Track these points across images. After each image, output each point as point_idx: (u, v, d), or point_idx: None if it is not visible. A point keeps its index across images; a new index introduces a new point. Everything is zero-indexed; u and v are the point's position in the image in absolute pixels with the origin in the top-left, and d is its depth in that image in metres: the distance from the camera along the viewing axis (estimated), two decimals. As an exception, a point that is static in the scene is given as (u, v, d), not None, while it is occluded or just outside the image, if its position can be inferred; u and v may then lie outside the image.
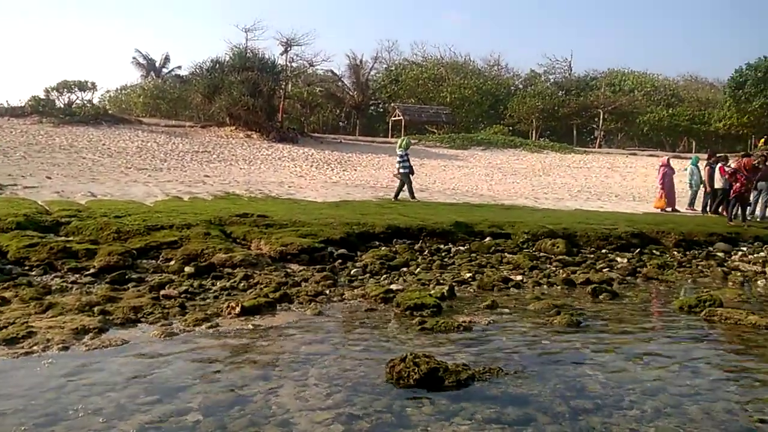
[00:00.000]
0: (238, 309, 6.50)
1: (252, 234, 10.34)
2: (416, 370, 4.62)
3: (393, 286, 8.10)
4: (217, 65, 38.03)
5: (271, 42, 76.14)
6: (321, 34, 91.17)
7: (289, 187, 19.21)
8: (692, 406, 4.42)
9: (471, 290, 8.39)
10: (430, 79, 54.18)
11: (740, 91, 47.81)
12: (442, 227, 11.90)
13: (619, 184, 27.14)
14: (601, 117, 49.62)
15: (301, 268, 9.01)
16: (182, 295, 7.22)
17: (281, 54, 40.36)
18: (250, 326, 6.12)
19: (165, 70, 53.04)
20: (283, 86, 39.28)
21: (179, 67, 52.41)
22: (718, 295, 7.96)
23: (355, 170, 26.12)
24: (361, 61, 50.71)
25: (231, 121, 35.30)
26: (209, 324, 6.10)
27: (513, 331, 6.30)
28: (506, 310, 7.20)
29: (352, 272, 8.93)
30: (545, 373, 5.03)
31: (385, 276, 8.86)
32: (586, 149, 42.79)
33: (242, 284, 7.87)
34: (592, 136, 52.18)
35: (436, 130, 45.39)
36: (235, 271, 8.46)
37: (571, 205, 18.61)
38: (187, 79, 44.88)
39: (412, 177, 17.18)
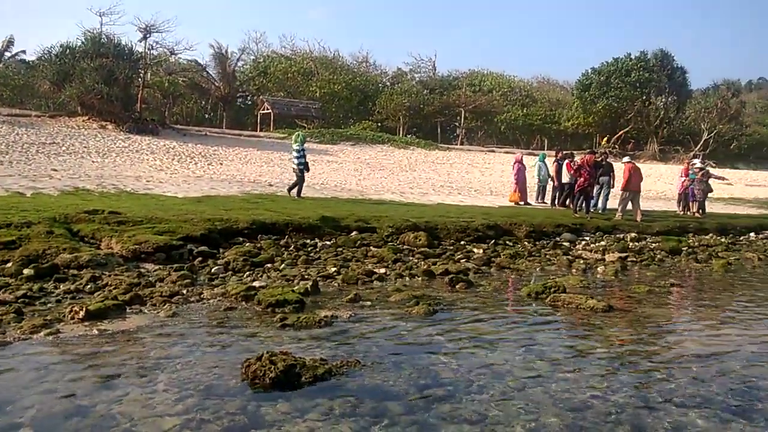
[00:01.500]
0: (82, 313, 6.02)
1: (102, 232, 9.64)
2: (272, 369, 4.53)
3: (256, 283, 7.90)
4: (68, 51, 35.10)
5: (129, 28, 71.64)
6: (183, 22, 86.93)
7: (147, 181, 18.17)
8: (535, 388, 4.71)
9: (335, 285, 8.40)
10: (300, 73, 53.70)
11: (586, 93, 52.25)
12: (308, 222, 11.82)
13: (479, 179, 28.54)
14: (463, 115, 51.94)
15: (157, 267, 8.54)
16: (19, 300, 6.56)
17: (140, 41, 38.06)
18: (96, 331, 5.68)
19: (8, 54, 47.97)
20: (141, 75, 37.07)
21: (24, 52, 47.63)
22: (562, 281, 8.60)
23: (221, 164, 25.27)
24: (226, 51, 49.02)
25: (83, 110, 32.73)
26: (49, 330, 5.58)
27: (373, 323, 6.38)
28: (368, 303, 7.29)
29: (212, 270, 8.61)
30: (402, 363, 5.14)
31: (248, 273, 8.63)
32: (449, 146, 44.59)
33: (89, 286, 7.29)
34: (455, 134, 54.45)
35: (306, 125, 45.08)
36: (82, 272, 7.83)
37: (434, 199, 19.29)
38: (34, 65, 41.00)
39: (306, 174, 16.91)
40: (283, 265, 9.24)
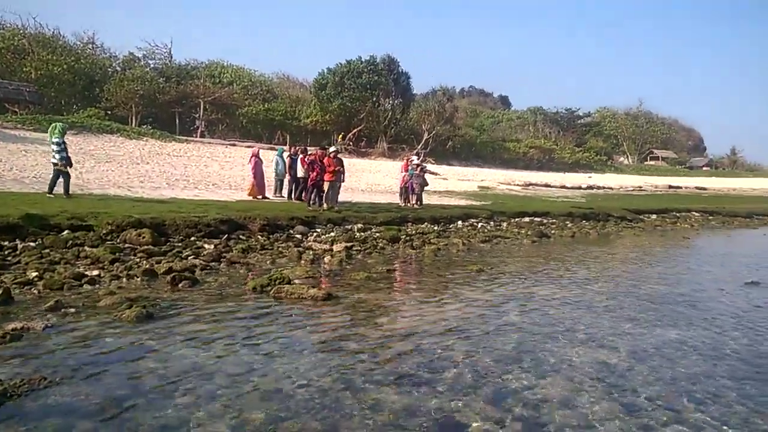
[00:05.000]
0: None
1: None
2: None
3: None
4: None
5: None
6: None
7: None
8: (244, 384, 4.67)
9: (36, 291, 7.39)
10: (9, 51, 46.38)
11: (323, 92, 54.37)
12: (7, 221, 10.22)
13: (218, 173, 27.81)
14: (202, 107, 50.18)
15: None
16: None
17: None
18: None
19: None
20: None
21: None
22: (288, 273, 8.76)
23: None
24: None
25: None
26: None
27: (74, 333, 5.73)
28: (72, 310, 6.54)
29: None
30: (101, 374, 4.69)
31: None
32: (188, 139, 42.70)
33: None
34: (194, 126, 52.39)
35: (17, 110, 39.12)
36: None
37: (167, 194, 18.23)
38: None
39: (70, 169, 14.45)
40: (-36, 273, 7.84)
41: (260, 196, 19.12)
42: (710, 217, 27.89)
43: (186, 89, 50.34)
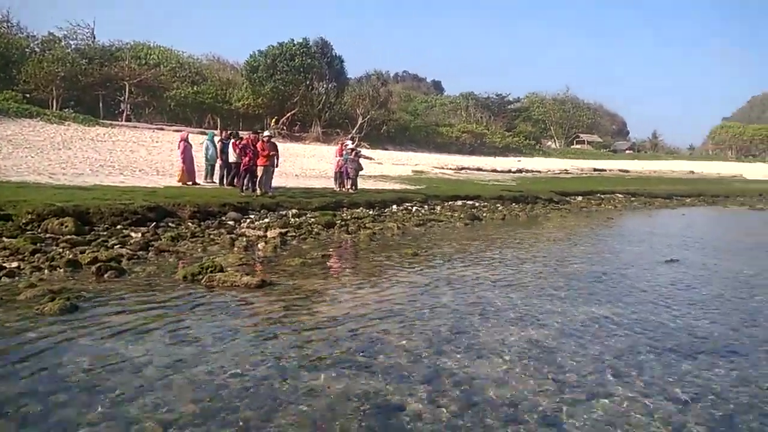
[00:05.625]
0: None
1: None
2: None
3: None
4: None
5: None
6: None
7: None
8: (175, 376, 4.56)
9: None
10: None
11: (255, 75, 53.23)
12: None
13: (145, 158, 26.82)
14: (127, 89, 48.15)
15: None
16: None
17: None
18: None
19: None
20: None
21: None
22: (221, 261, 8.59)
23: None
24: None
25: None
26: None
27: (-10, 329, 5.43)
28: (-13, 305, 6.18)
29: None
30: (21, 370, 4.46)
31: None
32: (113, 123, 40.92)
33: None
34: (119, 110, 50.23)
35: None
36: None
37: (91, 180, 17.45)
38: None
39: None
40: None
41: (190, 182, 18.61)
42: (633, 199, 29.20)
43: (110, 71, 48.08)
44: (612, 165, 56.53)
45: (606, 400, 4.54)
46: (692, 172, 56.96)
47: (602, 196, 28.56)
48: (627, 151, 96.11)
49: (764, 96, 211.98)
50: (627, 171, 50.89)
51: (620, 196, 29.47)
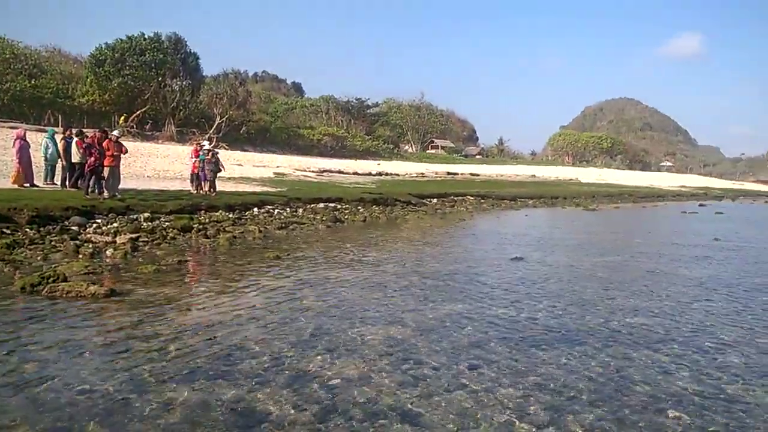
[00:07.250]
0: None
1: None
2: None
3: None
4: None
5: None
6: None
7: None
8: (13, 397, 4.17)
9: None
10: None
11: (101, 69, 49.68)
12: None
13: (-28, 157, 24.06)
14: (-50, 80, 42.88)
15: None
16: None
17: None
18: None
19: None
20: None
21: None
22: (63, 269, 7.96)
23: None
24: None
25: None
26: None
27: None
28: None
29: None
30: None
31: None
32: (-70, 116, 36.20)
33: None
34: (-60, 103, 44.55)
35: None
36: None
37: None
38: None
39: None
40: None
41: (27, 184, 16.99)
42: (482, 201, 31.09)
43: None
44: (464, 169, 59.69)
45: (461, 392, 4.82)
46: (534, 176, 61.76)
47: (455, 198, 30.12)
48: (477, 156, 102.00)
49: (597, 106, 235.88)
50: (477, 175, 53.98)
51: (471, 198, 31.24)
